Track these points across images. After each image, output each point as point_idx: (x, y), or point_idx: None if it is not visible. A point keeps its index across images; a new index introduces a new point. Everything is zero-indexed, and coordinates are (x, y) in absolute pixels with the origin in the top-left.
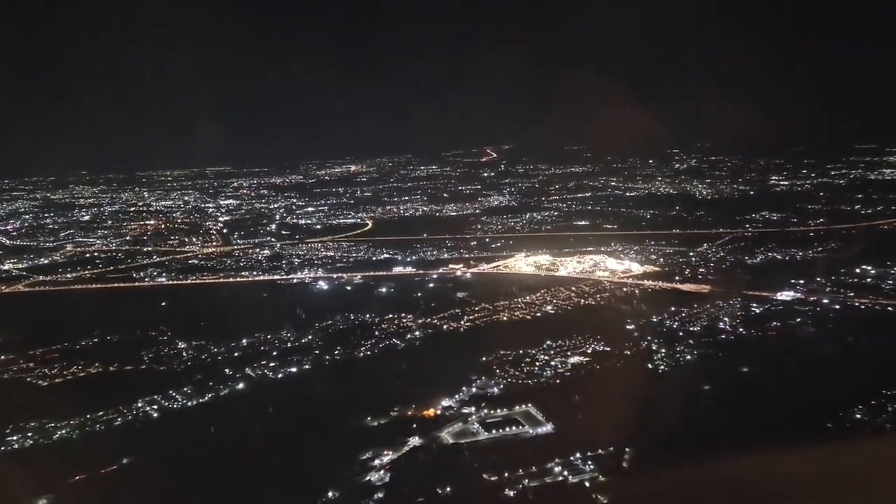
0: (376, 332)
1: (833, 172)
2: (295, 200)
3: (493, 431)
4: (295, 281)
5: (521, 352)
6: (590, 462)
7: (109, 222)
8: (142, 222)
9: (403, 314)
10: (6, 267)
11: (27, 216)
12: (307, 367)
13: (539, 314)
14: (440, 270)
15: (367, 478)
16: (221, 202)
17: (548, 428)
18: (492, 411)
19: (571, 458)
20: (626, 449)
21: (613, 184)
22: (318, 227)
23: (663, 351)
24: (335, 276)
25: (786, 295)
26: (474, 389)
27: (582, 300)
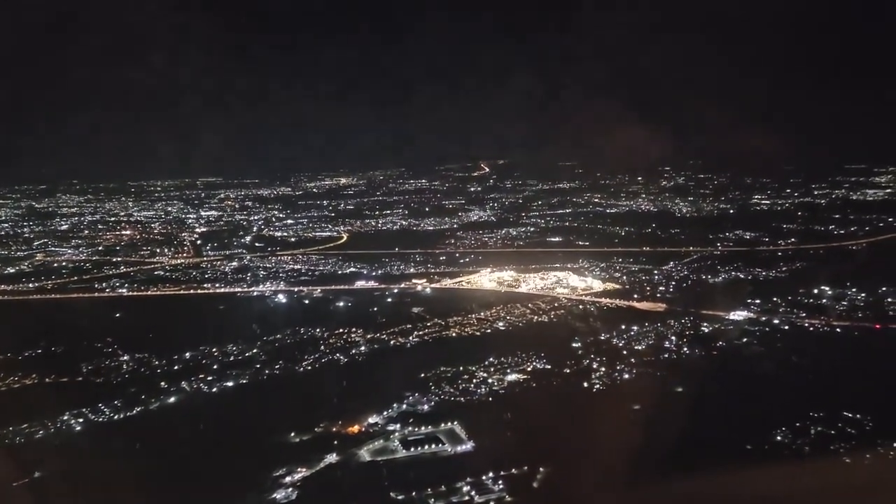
0: (322, 347)
1: (816, 192)
2: (276, 212)
3: (412, 449)
4: (255, 294)
5: (461, 368)
6: (500, 482)
7: (86, 232)
8: (118, 232)
9: (354, 329)
10: None
11: (6, 224)
12: (244, 381)
13: (489, 330)
14: (402, 285)
15: (274, 495)
16: (203, 213)
17: (468, 446)
18: (416, 429)
19: (483, 478)
20: (540, 469)
21: (597, 200)
22: (293, 239)
23: (602, 370)
24: (296, 289)
25: (738, 315)
26: (405, 406)
27: (535, 317)
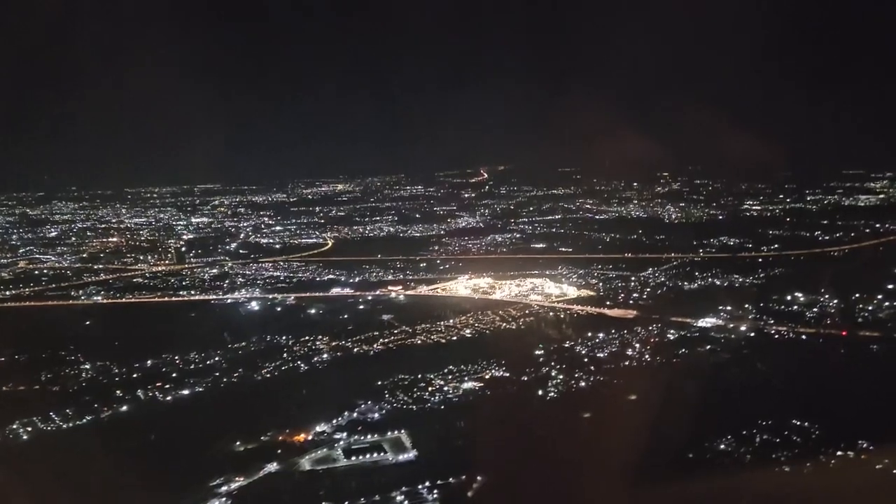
0: (285, 355)
1: (809, 198)
2: (266, 219)
3: (354, 458)
4: (228, 301)
5: (419, 376)
6: (436, 491)
7: (73, 239)
8: (105, 239)
9: (320, 336)
10: None
11: None
12: (200, 389)
13: (455, 338)
14: (377, 292)
15: None
16: (193, 220)
17: (410, 455)
18: (362, 437)
19: (419, 487)
20: (478, 477)
21: (588, 206)
22: (278, 246)
23: (560, 377)
24: (269, 296)
25: (706, 322)
26: (355, 414)
27: (504, 324)
